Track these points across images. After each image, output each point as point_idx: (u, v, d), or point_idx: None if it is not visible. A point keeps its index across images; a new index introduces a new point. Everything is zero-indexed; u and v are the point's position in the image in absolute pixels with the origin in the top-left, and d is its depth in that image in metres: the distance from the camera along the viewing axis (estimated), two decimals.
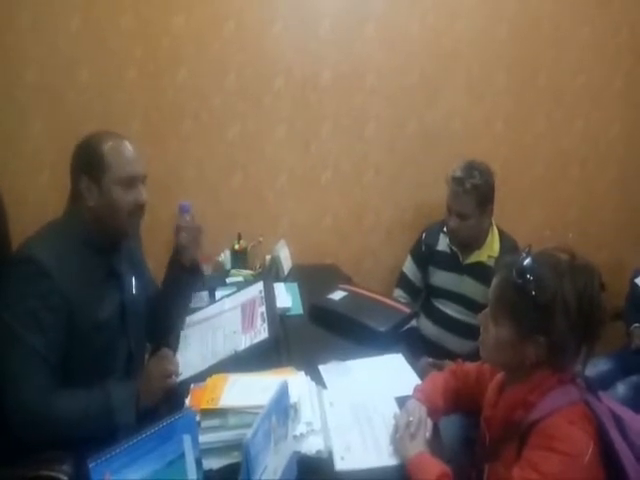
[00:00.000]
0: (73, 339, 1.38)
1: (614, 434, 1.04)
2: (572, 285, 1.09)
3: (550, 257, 1.15)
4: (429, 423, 1.30)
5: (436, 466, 1.16)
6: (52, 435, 1.31)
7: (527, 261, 1.13)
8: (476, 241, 2.19)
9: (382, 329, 1.79)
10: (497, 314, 1.17)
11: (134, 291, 1.59)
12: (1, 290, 1.33)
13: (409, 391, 1.43)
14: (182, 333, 1.70)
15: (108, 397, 1.35)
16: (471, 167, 2.09)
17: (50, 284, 1.32)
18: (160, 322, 1.69)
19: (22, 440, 1.30)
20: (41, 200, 2.29)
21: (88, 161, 1.44)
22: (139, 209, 1.50)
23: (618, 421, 1.07)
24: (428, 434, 1.27)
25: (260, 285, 1.84)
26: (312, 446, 1.21)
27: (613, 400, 1.17)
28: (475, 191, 2.06)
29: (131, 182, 1.46)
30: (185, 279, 1.70)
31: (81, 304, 1.38)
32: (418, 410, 1.31)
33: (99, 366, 1.45)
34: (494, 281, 1.20)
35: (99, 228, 1.46)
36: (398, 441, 1.25)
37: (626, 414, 1.10)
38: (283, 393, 1.10)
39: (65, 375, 1.37)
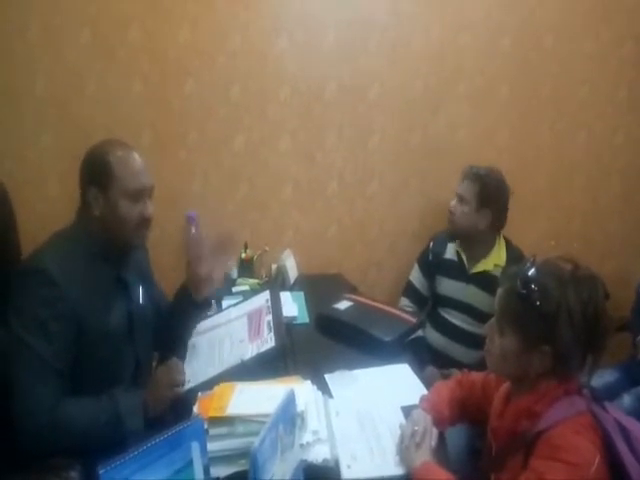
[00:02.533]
0: (81, 347, 1.38)
1: (620, 445, 1.04)
2: (576, 295, 1.09)
3: (554, 267, 1.16)
4: (434, 432, 1.30)
5: (442, 475, 1.16)
6: (60, 443, 1.31)
7: (531, 271, 1.14)
8: (471, 241, 2.22)
9: (387, 339, 1.79)
10: (502, 325, 1.18)
11: (141, 300, 1.60)
12: (10, 300, 1.34)
13: (415, 400, 1.43)
14: (189, 342, 1.70)
15: (116, 404, 1.36)
16: (487, 167, 2.19)
17: (58, 293, 1.33)
18: (166, 337, 1.69)
19: (30, 450, 1.30)
20: (49, 211, 2.31)
21: (95, 172, 1.44)
22: (145, 222, 1.50)
23: (624, 432, 1.06)
24: (433, 443, 1.28)
25: (266, 294, 1.84)
26: (318, 455, 1.21)
27: (619, 411, 1.17)
28: (478, 181, 2.14)
29: (138, 195, 1.46)
30: (194, 312, 1.70)
31: (89, 313, 1.39)
32: (423, 419, 1.31)
33: (107, 374, 1.46)
34: (499, 292, 1.20)
35: (106, 238, 1.47)
36: (404, 451, 1.25)
37: (632, 425, 1.10)
38: (290, 402, 1.10)
39: (73, 383, 1.38)
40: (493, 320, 1.22)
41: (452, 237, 2.29)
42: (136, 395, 1.41)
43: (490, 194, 2.15)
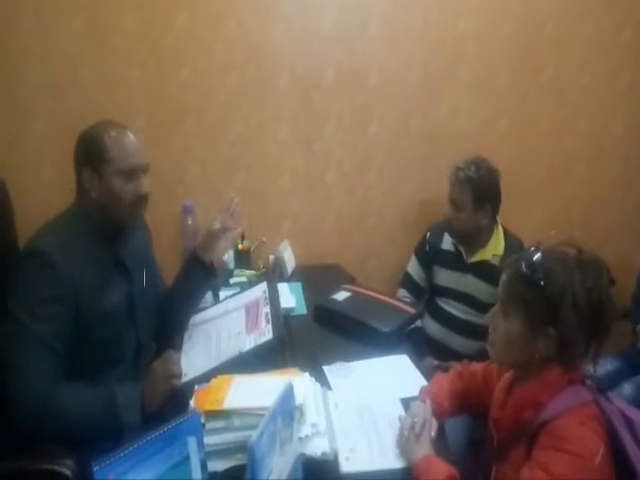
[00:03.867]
0: (80, 328, 1.38)
1: (625, 435, 1.04)
2: (581, 279, 1.09)
3: (559, 252, 1.16)
4: (434, 423, 1.29)
5: (443, 468, 1.15)
6: (55, 428, 1.31)
7: (537, 255, 1.14)
8: (472, 237, 2.18)
9: (386, 330, 1.78)
10: (507, 308, 1.17)
11: (144, 284, 1.60)
12: (9, 284, 1.35)
13: (414, 392, 1.42)
14: (186, 334, 1.69)
15: (113, 396, 1.35)
16: (473, 161, 2.10)
17: (55, 274, 1.33)
18: (167, 320, 1.69)
19: (24, 433, 1.30)
20: (45, 197, 2.28)
21: (89, 152, 1.45)
22: (141, 199, 1.50)
23: (629, 422, 1.06)
24: (433, 434, 1.26)
25: (264, 285, 1.82)
26: (317, 448, 1.20)
27: (622, 401, 1.16)
28: (468, 183, 2.07)
29: (132, 173, 1.46)
30: (201, 278, 1.69)
31: (88, 293, 1.39)
32: (422, 411, 1.31)
33: (107, 355, 1.46)
34: (503, 276, 1.20)
35: (103, 217, 1.48)
36: (403, 443, 1.24)
37: (637, 416, 1.09)
38: (288, 394, 1.09)
39: (74, 365, 1.38)
40: (496, 307, 1.22)
41: (453, 238, 2.24)
42: (134, 388, 1.41)
43: (485, 192, 2.10)
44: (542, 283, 1.10)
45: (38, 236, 1.42)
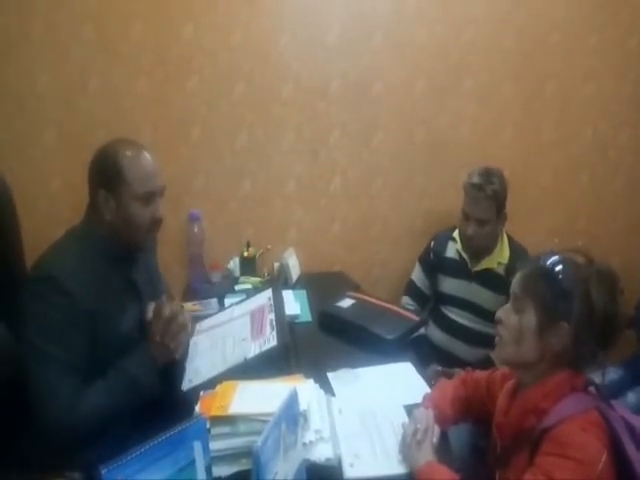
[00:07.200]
0: (96, 351, 1.38)
1: (627, 443, 1.04)
2: (598, 284, 1.11)
3: (574, 258, 1.19)
4: (436, 429, 1.30)
5: (446, 474, 1.16)
6: (89, 432, 1.31)
7: (555, 255, 1.18)
8: (489, 247, 2.19)
9: (390, 337, 1.79)
10: (521, 303, 1.18)
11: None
12: (22, 309, 1.33)
13: (418, 399, 1.43)
14: (192, 340, 1.69)
15: (125, 370, 1.37)
16: (489, 173, 2.10)
17: (70, 301, 1.31)
18: None
19: (60, 448, 1.30)
20: (53, 207, 2.32)
21: (105, 175, 1.42)
22: (156, 223, 1.49)
23: (631, 430, 1.06)
24: (435, 440, 1.27)
25: (269, 292, 1.83)
26: (321, 454, 1.20)
27: (625, 409, 1.17)
28: (495, 197, 2.07)
29: (149, 197, 1.45)
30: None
31: (103, 317, 1.38)
32: (425, 417, 1.31)
33: None
34: (518, 275, 1.22)
35: (116, 240, 1.46)
36: (406, 450, 1.24)
37: (639, 423, 1.10)
38: (293, 400, 1.10)
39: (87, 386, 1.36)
40: (508, 304, 1.23)
41: (469, 253, 2.23)
42: (141, 354, 1.42)
43: (504, 201, 2.12)
44: (560, 277, 1.13)
45: (48, 258, 1.39)
